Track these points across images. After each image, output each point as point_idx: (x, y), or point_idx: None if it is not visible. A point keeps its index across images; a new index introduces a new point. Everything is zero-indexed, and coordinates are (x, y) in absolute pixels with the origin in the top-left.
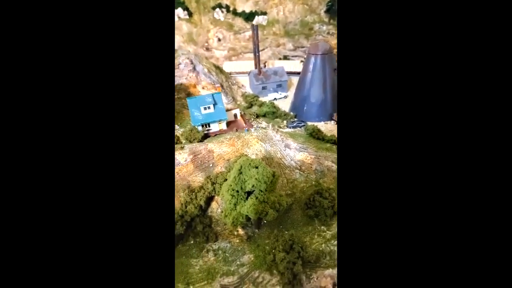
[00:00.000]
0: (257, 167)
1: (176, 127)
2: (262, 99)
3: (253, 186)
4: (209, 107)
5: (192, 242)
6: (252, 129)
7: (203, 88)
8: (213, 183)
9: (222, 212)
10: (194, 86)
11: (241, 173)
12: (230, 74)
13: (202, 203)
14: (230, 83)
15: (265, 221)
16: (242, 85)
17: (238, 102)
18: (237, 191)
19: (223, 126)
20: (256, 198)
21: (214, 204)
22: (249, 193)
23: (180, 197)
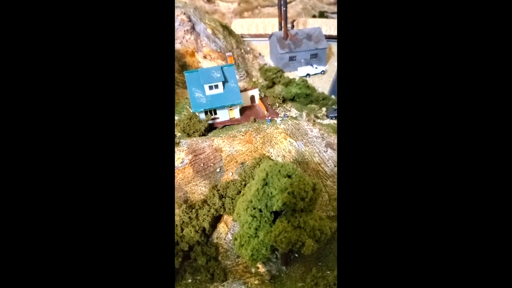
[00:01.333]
0: (290, 176)
1: None
2: (290, 74)
3: (284, 204)
4: (216, 86)
5: (190, 280)
6: (277, 119)
7: (204, 57)
8: (221, 197)
9: (235, 239)
10: (192, 54)
11: (266, 184)
12: (242, 37)
13: (205, 224)
14: (242, 50)
15: (296, 255)
16: (260, 54)
17: (254, 79)
18: (260, 211)
19: (236, 113)
20: (288, 221)
21: (222, 227)
22: (277, 214)
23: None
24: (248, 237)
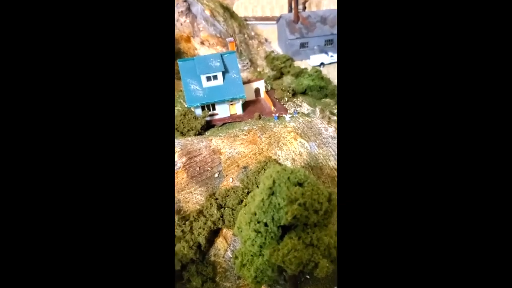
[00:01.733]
0: (301, 185)
1: None
2: (301, 64)
3: (294, 217)
4: (215, 77)
5: None
6: (286, 116)
7: (202, 43)
8: (220, 207)
9: (236, 257)
10: (188, 39)
11: (273, 193)
12: (245, 20)
13: (201, 239)
14: (245, 35)
15: (308, 277)
16: (266, 40)
17: (259, 69)
18: (266, 225)
19: (238, 109)
20: (299, 238)
21: (221, 243)
22: (285, 229)
23: None
24: (251, 255)
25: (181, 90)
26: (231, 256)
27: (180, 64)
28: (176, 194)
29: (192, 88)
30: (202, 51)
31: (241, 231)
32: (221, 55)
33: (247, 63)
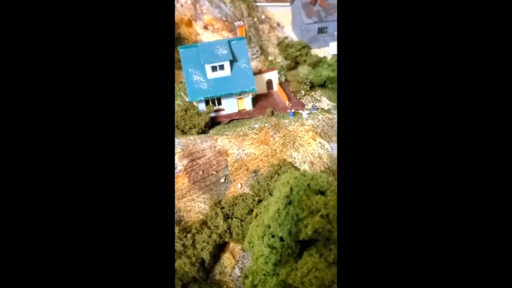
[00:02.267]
0: (323, 193)
1: None
2: (319, 52)
3: (315, 231)
4: (221, 67)
5: None
6: (303, 112)
7: (205, 27)
8: (226, 217)
9: (246, 277)
10: (189, 23)
11: (290, 203)
12: (255, 1)
13: (204, 255)
14: (255, 19)
15: None
16: (279, 25)
17: (271, 58)
18: (282, 240)
19: (247, 104)
20: (321, 255)
21: (227, 259)
22: (305, 245)
23: None
24: (264, 274)
25: (181, 82)
26: (239, 274)
27: (181, 51)
28: (176, 202)
29: (195, 80)
30: (206, 36)
31: (253, 246)
32: (229, 42)
33: (257, 51)
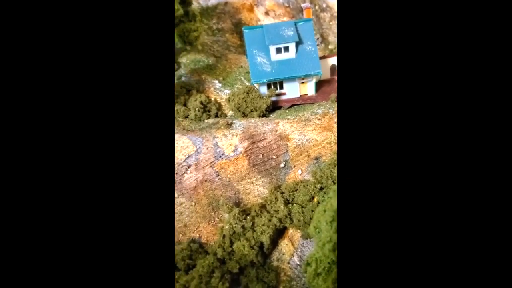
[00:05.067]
0: None
1: (216, 83)
2: None
3: None
4: (286, 49)
5: None
6: None
7: (266, 13)
8: (287, 202)
9: (308, 264)
10: (251, 9)
11: None
12: None
13: (264, 239)
14: (317, 7)
15: None
16: None
17: (331, 47)
18: None
19: (310, 89)
20: None
21: (285, 246)
22: None
23: (218, 221)
24: (329, 263)
25: (241, 66)
26: (298, 262)
27: (245, 32)
28: (235, 184)
29: (259, 61)
30: (267, 22)
31: (319, 232)
32: (295, 23)
33: (318, 39)
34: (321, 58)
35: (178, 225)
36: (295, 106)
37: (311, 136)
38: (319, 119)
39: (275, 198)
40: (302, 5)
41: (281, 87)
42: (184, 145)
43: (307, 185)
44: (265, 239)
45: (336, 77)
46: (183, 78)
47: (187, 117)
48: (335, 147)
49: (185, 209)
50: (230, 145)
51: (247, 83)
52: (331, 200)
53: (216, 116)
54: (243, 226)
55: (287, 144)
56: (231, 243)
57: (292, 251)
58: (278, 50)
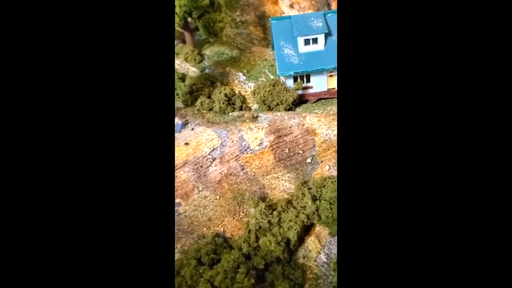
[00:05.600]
0: None
1: (240, 76)
2: None
3: None
4: (315, 40)
5: None
6: None
7: (291, 6)
8: (315, 199)
9: (336, 263)
10: (275, 1)
11: None
12: None
13: (291, 235)
14: None
15: None
16: None
17: None
18: None
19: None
20: None
21: (312, 243)
22: None
23: (243, 216)
24: None
25: (265, 59)
26: (324, 260)
27: (273, 23)
28: (260, 178)
29: (286, 53)
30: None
31: None
32: (324, 14)
33: None
34: None
35: (202, 218)
36: (322, 100)
37: None
38: None
39: (302, 194)
40: None
41: (308, 80)
42: (209, 138)
43: (335, 181)
44: (292, 235)
45: None
46: (207, 70)
47: (212, 109)
48: None
49: (209, 203)
50: (256, 138)
51: (272, 76)
52: None
53: (241, 109)
54: (269, 222)
55: (314, 139)
56: (257, 238)
57: (319, 249)
58: (307, 42)
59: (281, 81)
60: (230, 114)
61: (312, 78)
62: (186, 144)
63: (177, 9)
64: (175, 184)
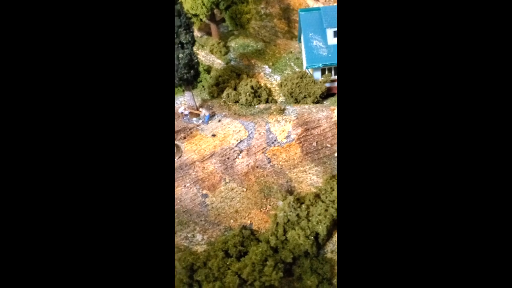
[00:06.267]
0: None
1: (266, 68)
2: None
3: None
4: None
5: None
6: None
7: None
8: None
9: None
10: None
11: None
12: None
13: (321, 229)
14: None
15: None
16: None
17: None
18: None
19: None
20: None
21: None
22: None
23: (270, 208)
24: None
25: (291, 52)
26: None
27: (301, 14)
28: (287, 171)
29: (315, 45)
30: (318, 6)
31: None
32: None
33: None
34: None
35: (229, 210)
36: None
37: None
38: None
39: (331, 188)
40: None
41: (336, 73)
42: (236, 130)
43: None
44: (322, 230)
45: None
46: (232, 62)
47: (238, 101)
48: None
49: (236, 195)
50: (283, 131)
51: (297, 69)
52: None
53: (267, 101)
54: (298, 215)
55: None
56: (285, 231)
57: None
58: (336, 34)
59: (309, 73)
60: (257, 106)
61: None
62: (213, 135)
63: (204, 0)
64: (202, 175)
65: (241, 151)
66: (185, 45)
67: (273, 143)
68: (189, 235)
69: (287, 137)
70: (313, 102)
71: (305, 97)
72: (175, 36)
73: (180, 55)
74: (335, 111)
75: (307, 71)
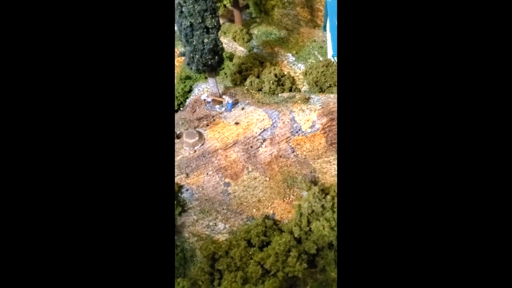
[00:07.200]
0: None
1: (289, 57)
2: None
3: None
4: None
5: None
6: None
7: None
8: None
9: None
10: None
11: None
12: None
13: None
14: None
15: None
16: None
17: None
18: None
19: None
20: None
21: None
22: None
23: (293, 199)
24: None
25: (314, 40)
26: None
27: (328, 2)
28: (311, 161)
29: None
30: None
31: None
32: None
33: None
34: None
35: (252, 199)
36: None
37: None
38: None
39: None
40: None
41: None
42: (259, 118)
43: None
44: None
45: None
46: (255, 50)
47: (261, 89)
48: None
49: (259, 184)
50: (308, 120)
51: (321, 58)
52: None
53: (290, 90)
54: (322, 206)
55: None
56: (309, 222)
57: None
58: None
59: (334, 62)
60: (280, 95)
61: None
62: (237, 123)
63: None
64: (225, 164)
65: (264, 140)
66: (210, 30)
67: (297, 132)
68: (211, 224)
69: (311, 126)
70: None
71: (330, 86)
72: (201, 21)
73: (206, 40)
74: None
75: (332, 60)
